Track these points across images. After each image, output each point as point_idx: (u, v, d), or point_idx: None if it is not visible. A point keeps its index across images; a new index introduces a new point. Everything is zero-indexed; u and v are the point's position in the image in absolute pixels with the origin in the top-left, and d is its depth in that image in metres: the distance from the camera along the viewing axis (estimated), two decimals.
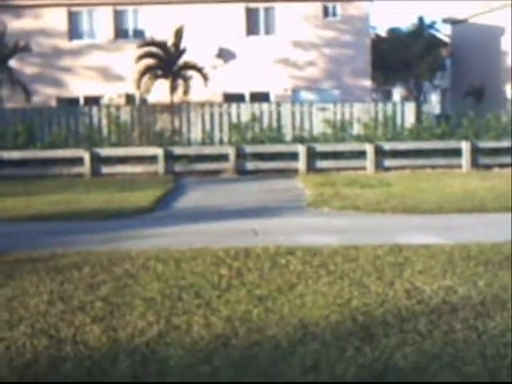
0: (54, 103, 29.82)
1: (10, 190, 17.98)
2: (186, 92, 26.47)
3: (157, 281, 8.09)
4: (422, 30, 39.98)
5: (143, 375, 5.35)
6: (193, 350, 5.80)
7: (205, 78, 26.59)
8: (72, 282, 8.12)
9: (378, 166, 21.90)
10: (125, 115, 25.23)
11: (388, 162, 22.09)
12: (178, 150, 22.02)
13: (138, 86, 26.65)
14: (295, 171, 21.27)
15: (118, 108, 25.73)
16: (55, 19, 30.51)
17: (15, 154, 21.97)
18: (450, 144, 22.63)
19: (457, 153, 22.20)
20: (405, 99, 38.17)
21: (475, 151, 22.16)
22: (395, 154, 22.37)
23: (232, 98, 28.56)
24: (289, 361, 5.53)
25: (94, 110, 25.55)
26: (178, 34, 26.78)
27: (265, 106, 25.49)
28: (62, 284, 8.06)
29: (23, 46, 27.47)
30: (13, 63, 27.96)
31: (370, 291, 7.45)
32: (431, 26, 41.00)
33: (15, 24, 29.91)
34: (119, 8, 30.85)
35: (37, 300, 7.38)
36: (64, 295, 7.56)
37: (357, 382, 5.18)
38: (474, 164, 21.96)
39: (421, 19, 40.34)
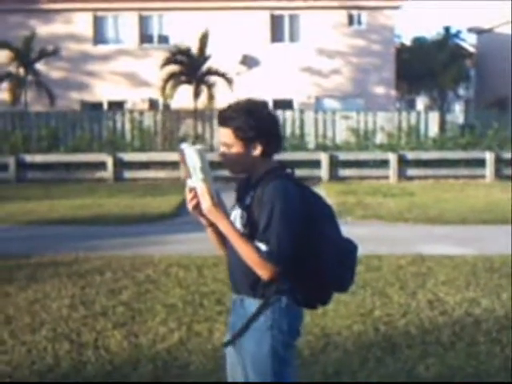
0: (77, 107, 29.97)
1: (33, 194, 18.07)
2: (209, 98, 26.50)
3: (178, 287, 8.09)
4: (447, 39, 39.83)
5: (164, 381, 5.34)
6: (214, 357, 5.78)
7: (229, 83, 26.60)
8: (94, 287, 8.14)
9: (401, 175, 21.81)
10: (148, 120, 25.32)
11: (411, 172, 22.00)
12: None
13: (162, 92, 26.72)
14: (318, 179, 21.19)
15: (141, 113, 25.83)
16: (81, 24, 30.68)
17: (39, 158, 22.10)
18: (474, 154, 22.50)
19: (481, 163, 22.08)
20: (428, 109, 38.04)
21: (499, 162, 22.03)
22: (418, 163, 22.27)
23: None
24: (310, 369, 5.50)
25: (118, 114, 25.67)
26: (203, 39, 26.83)
27: (288, 113, 25.48)
28: (84, 288, 8.08)
29: (50, 50, 27.64)
30: (40, 67, 28.15)
31: (393, 301, 7.41)
32: (456, 35, 40.84)
33: (44, 29, 30.13)
34: (144, 14, 30.97)
35: (59, 304, 7.40)
36: (86, 300, 7.58)
37: None
38: (498, 175, 21.81)
39: (447, 29, 40.19)
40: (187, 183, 3.39)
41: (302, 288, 3.44)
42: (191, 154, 3.30)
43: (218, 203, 3.36)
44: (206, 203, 3.34)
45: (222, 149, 3.45)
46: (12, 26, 29.54)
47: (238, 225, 3.41)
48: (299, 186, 3.44)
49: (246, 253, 3.29)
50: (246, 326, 3.42)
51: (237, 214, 3.45)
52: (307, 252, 3.37)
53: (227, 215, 3.38)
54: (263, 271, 3.27)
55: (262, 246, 3.26)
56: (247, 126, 3.36)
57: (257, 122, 3.37)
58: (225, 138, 3.42)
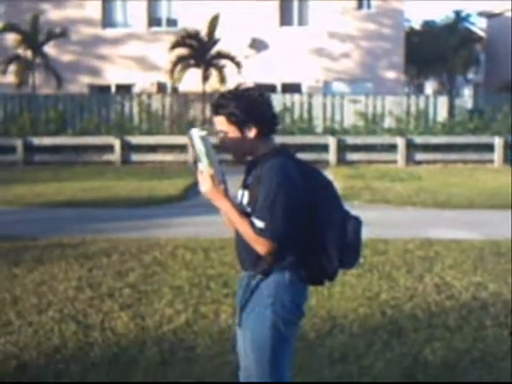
0: (85, 90, 29.93)
1: (40, 176, 18.10)
2: (221, 80, 26.35)
3: (185, 269, 8.10)
4: (456, 23, 39.61)
5: (170, 363, 5.35)
6: (220, 339, 5.78)
7: (238, 66, 26.48)
8: (101, 269, 8.15)
9: (409, 159, 21.77)
10: (156, 104, 25.29)
11: (419, 156, 21.96)
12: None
13: (171, 76, 26.61)
14: (325, 163, 21.13)
15: (149, 96, 25.80)
16: (90, 8, 30.58)
17: (47, 141, 22.11)
18: (483, 139, 22.43)
19: (489, 148, 22.00)
20: (437, 93, 37.88)
21: (508, 147, 21.93)
22: (427, 147, 22.22)
23: (263, 89, 28.35)
24: (316, 352, 5.50)
25: (126, 97, 25.65)
26: (213, 22, 26.67)
27: (296, 97, 25.40)
28: (91, 270, 8.09)
29: (58, 33, 27.56)
30: (50, 50, 28.10)
31: (399, 285, 7.40)
32: (466, 19, 40.62)
33: (54, 13, 30.06)
34: None
35: (65, 285, 7.42)
36: (93, 281, 7.59)
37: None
38: (507, 159, 21.72)
39: (457, 13, 39.95)
40: (198, 166, 3.54)
41: (308, 264, 3.52)
42: (196, 138, 3.46)
43: (219, 184, 3.49)
44: (206, 185, 3.50)
45: (220, 136, 3.57)
46: (24, 10, 29.44)
47: (245, 204, 3.53)
48: (298, 164, 3.54)
49: (244, 229, 3.44)
50: (248, 298, 3.54)
51: (242, 194, 3.58)
52: (310, 228, 3.46)
53: (227, 195, 3.51)
54: (260, 247, 3.40)
55: (259, 223, 3.38)
56: (238, 110, 3.48)
57: (247, 104, 3.49)
58: (220, 126, 3.55)
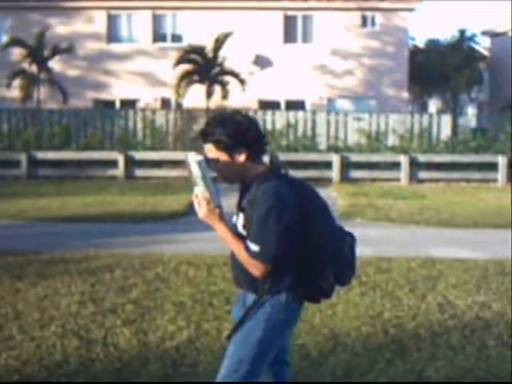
0: (90, 105, 30.03)
1: (44, 191, 18.11)
2: (224, 97, 26.44)
3: (188, 285, 8.09)
4: (461, 42, 39.63)
5: (172, 379, 5.33)
6: (222, 356, 5.75)
7: (242, 83, 26.57)
8: (104, 284, 8.14)
9: (412, 177, 21.78)
10: (160, 119, 25.35)
11: (422, 174, 21.97)
12: None
13: (177, 91, 26.69)
14: (329, 180, 21.18)
15: (153, 112, 25.86)
16: (95, 23, 30.74)
17: (51, 155, 22.17)
18: (486, 158, 22.43)
19: (493, 167, 22.00)
20: (441, 111, 37.89)
21: (511, 166, 21.92)
22: (430, 166, 22.23)
23: (267, 106, 28.56)
24: (319, 370, 5.49)
25: (130, 113, 25.71)
26: (221, 39, 26.78)
27: (300, 114, 25.46)
28: (94, 286, 8.08)
29: (64, 48, 27.68)
30: (56, 65, 28.22)
31: (402, 304, 7.38)
32: (471, 38, 40.64)
33: (61, 27, 30.22)
34: (158, 12, 31.01)
35: (68, 300, 7.40)
36: (95, 297, 7.58)
37: None
38: (510, 179, 21.73)
39: (462, 32, 39.98)
40: (194, 190, 3.60)
41: (304, 283, 3.55)
42: (192, 163, 3.52)
43: (215, 208, 3.56)
44: (201, 210, 3.58)
45: (212, 166, 3.59)
46: (30, 24, 29.60)
47: (240, 226, 3.58)
48: (291, 184, 3.59)
49: (239, 252, 3.51)
50: (243, 319, 3.61)
51: (237, 217, 3.64)
52: (305, 248, 3.50)
53: (223, 219, 3.58)
54: (254, 269, 3.47)
55: (253, 246, 3.44)
56: (225, 136, 3.50)
57: (234, 129, 3.52)
58: (210, 154, 3.58)
